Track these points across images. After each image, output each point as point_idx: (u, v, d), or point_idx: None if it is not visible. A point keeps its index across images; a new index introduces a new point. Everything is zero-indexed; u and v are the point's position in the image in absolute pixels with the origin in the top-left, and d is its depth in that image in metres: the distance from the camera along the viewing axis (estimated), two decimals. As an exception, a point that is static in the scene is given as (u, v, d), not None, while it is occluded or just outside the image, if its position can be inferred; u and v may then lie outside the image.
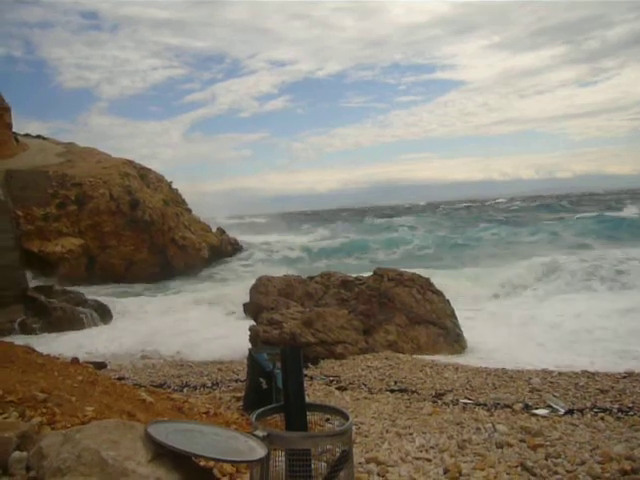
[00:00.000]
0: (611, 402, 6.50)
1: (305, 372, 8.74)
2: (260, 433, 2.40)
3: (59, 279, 19.54)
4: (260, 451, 2.26)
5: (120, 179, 24.93)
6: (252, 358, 6.80)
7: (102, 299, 17.13)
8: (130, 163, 27.36)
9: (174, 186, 29.68)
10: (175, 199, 28.73)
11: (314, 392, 7.57)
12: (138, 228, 24.29)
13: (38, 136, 33.38)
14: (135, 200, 24.46)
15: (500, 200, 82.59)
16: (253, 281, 13.37)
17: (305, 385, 7.96)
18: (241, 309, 14.11)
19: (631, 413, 6.05)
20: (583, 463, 4.34)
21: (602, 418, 5.89)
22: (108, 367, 10.08)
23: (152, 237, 24.83)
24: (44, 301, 15.31)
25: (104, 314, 15.93)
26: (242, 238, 33.24)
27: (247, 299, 13.28)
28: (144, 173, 27.57)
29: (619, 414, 6.04)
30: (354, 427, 5.74)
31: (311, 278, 12.88)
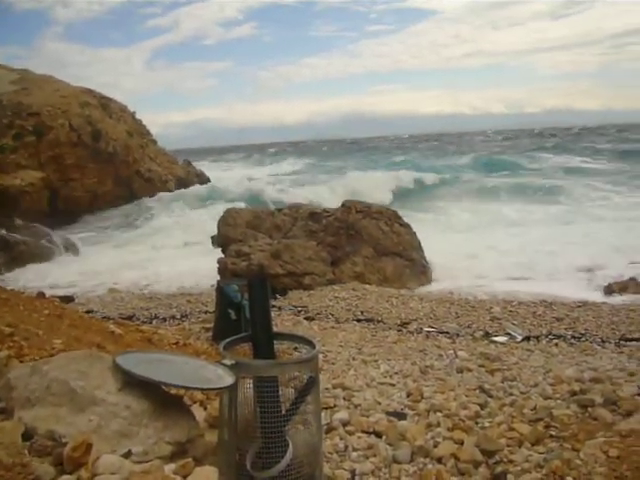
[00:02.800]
0: (565, 329, 6.83)
1: (274, 303, 8.90)
2: (228, 362, 2.45)
3: (20, 214, 19.06)
4: (228, 379, 2.32)
5: (80, 109, 23.95)
6: (220, 290, 6.87)
7: (67, 233, 16.88)
8: (90, 92, 26.20)
9: (138, 116, 28.74)
10: (139, 130, 27.88)
11: (283, 322, 7.73)
12: (101, 160, 23.61)
13: (-11, 62, 31.59)
14: (97, 131, 23.64)
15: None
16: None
17: (274, 315, 8.14)
18: (209, 240, 14.09)
19: (583, 339, 6.40)
20: (536, 385, 4.58)
21: (556, 344, 6.21)
22: (76, 301, 10.05)
23: (116, 169, 24.22)
24: (5, 235, 14.97)
25: (70, 247, 15.73)
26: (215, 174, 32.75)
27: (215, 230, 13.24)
28: (105, 103, 26.51)
29: (572, 340, 6.38)
30: (321, 355, 5.93)
31: (279, 210, 12.85)
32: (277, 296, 9.38)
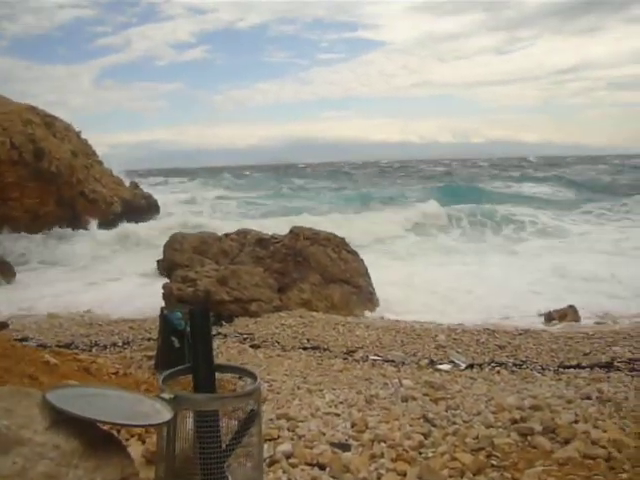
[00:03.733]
0: (507, 357, 6.99)
1: (219, 330, 8.75)
2: (167, 395, 2.38)
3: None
4: (166, 414, 2.24)
5: (22, 126, 23.22)
6: (164, 316, 6.70)
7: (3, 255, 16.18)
8: (33, 109, 25.44)
9: (83, 136, 28.05)
10: (84, 150, 27.17)
11: (228, 350, 7.60)
12: (44, 179, 22.85)
13: None
14: (40, 150, 22.93)
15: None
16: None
17: (219, 343, 7.97)
18: (154, 266, 13.79)
19: (524, 367, 6.55)
20: (479, 413, 4.64)
21: (498, 372, 6.33)
22: (10, 327, 9.59)
23: (59, 190, 23.48)
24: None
25: (5, 270, 15.05)
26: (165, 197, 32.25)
27: (161, 256, 12.99)
28: (50, 121, 25.77)
29: (513, 368, 6.52)
30: (266, 384, 5.84)
31: (227, 235, 12.74)
32: (223, 323, 9.23)
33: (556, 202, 29.84)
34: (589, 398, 4.99)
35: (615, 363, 6.57)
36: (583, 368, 6.46)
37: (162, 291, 10.25)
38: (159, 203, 30.57)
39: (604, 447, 3.69)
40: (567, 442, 3.86)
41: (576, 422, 4.24)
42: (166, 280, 10.95)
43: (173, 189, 43.09)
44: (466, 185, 37.64)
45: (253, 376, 2.80)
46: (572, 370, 6.41)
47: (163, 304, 9.55)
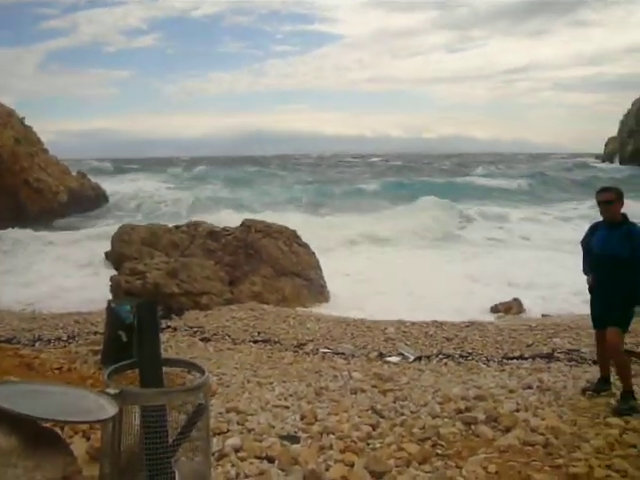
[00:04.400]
0: (454, 349, 7.15)
1: (169, 323, 8.63)
2: (112, 391, 2.34)
3: None
4: (110, 410, 2.20)
5: (-39, 111, 22.22)
6: (111, 310, 6.55)
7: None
8: (-27, 94, 24.41)
9: (28, 122, 27.01)
10: (28, 137, 26.18)
11: (177, 344, 7.51)
12: (-16, 167, 21.96)
13: None
14: (-21, 136, 22.00)
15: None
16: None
17: (168, 337, 7.84)
18: (101, 258, 13.45)
19: (470, 358, 6.73)
20: (426, 404, 4.74)
21: (445, 363, 6.48)
22: (-53, 321, 9.18)
23: (2, 178, 22.59)
24: None
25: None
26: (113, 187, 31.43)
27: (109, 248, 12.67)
28: (-10, 106, 24.77)
29: (460, 359, 6.68)
30: (216, 378, 5.80)
31: (177, 227, 12.54)
32: (173, 316, 9.11)
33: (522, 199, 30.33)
34: (530, 387, 5.17)
35: (555, 354, 6.82)
36: (526, 359, 6.69)
37: (110, 284, 10.03)
38: (107, 194, 29.84)
39: (542, 434, 3.85)
40: (508, 430, 4.00)
41: (517, 411, 4.40)
42: (114, 272, 10.71)
43: (123, 179, 41.97)
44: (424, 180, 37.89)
45: (201, 370, 2.78)
46: (515, 361, 6.62)
47: (111, 297, 9.35)
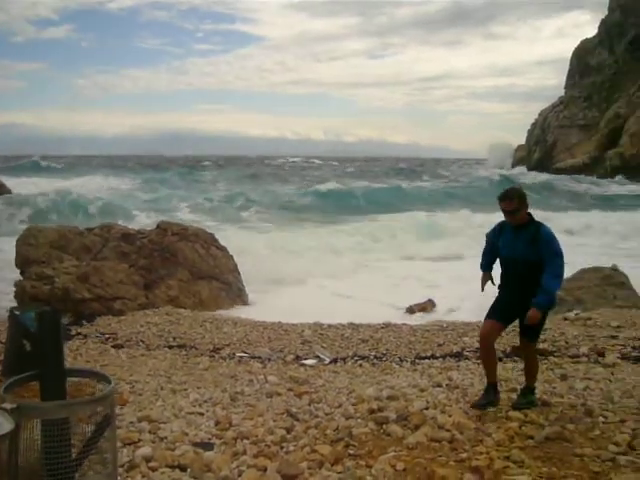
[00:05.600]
0: (369, 350, 7.32)
1: (79, 330, 8.30)
2: (8, 405, 2.24)
3: None
4: (6, 425, 2.11)
5: None
6: (14, 317, 6.20)
7: None
8: None
9: None
10: None
11: (88, 351, 7.24)
12: None
13: None
14: None
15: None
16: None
17: (78, 344, 7.52)
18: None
19: (384, 359, 6.91)
20: (340, 406, 4.83)
21: (360, 365, 6.62)
22: None
23: None
24: None
25: None
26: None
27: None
28: None
29: (374, 360, 6.85)
30: (128, 386, 5.64)
31: (89, 230, 12.04)
32: (83, 323, 8.76)
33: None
34: (440, 386, 5.38)
35: (464, 352, 7.13)
36: (437, 358, 6.94)
37: (13, 289, 9.51)
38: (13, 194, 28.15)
39: (449, 430, 4.03)
40: (417, 428, 4.15)
41: (427, 409, 4.57)
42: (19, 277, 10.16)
43: (34, 179, 39.71)
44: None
45: (107, 379, 2.71)
46: (427, 360, 6.86)
47: (14, 304, 8.87)
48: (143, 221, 19.30)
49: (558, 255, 4.42)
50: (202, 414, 4.75)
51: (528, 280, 4.45)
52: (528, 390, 4.74)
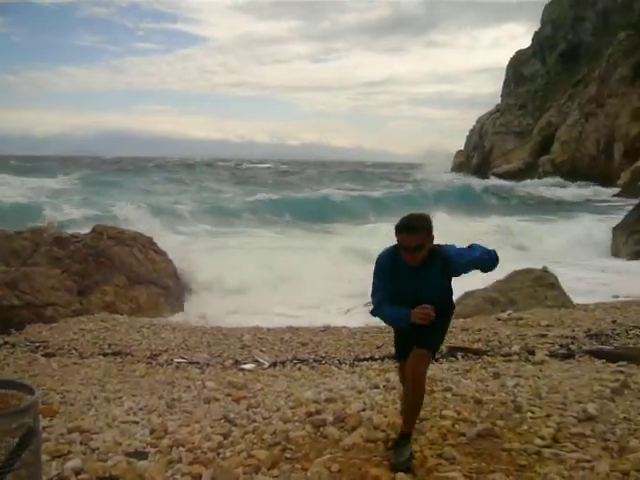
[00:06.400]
0: (309, 353, 7.35)
1: (6, 339, 7.95)
2: None
3: None
4: None
5: None
6: None
7: None
8: None
9: None
10: None
11: (16, 361, 6.94)
12: None
13: None
14: None
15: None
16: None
17: (5, 354, 7.22)
18: None
19: (323, 362, 6.94)
20: (278, 410, 4.82)
21: (299, 368, 6.63)
22: None
23: None
24: None
25: None
26: None
27: None
28: None
29: (314, 364, 6.87)
30: (59, 396, 5.45)
31: (19, 233, 11.55)
32: (12, 331, 8.38)
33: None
34: (377, 387, 5.44)
35: (402, 354, 7.25)
36: (375, 360, 7.03)
37: None
38: None
39: (384, 431, 4.08)
40: (354, 429, 4.19)
41: (364, 410, 4.61)
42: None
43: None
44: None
45: (30, 390, 2.62)
46: (366, 362, 6.94)
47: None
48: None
49: (472, 247, 3.55)
50: (137, 422, 4.64)
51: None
52: (404, 440, 3.60)
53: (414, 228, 3.32)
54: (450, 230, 13.32)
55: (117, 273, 10.18)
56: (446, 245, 3.57)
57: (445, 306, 3.61)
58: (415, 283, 3.47)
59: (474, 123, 67.99)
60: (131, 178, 46.55)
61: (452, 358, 6.62)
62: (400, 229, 3.35)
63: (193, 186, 41.56)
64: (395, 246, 3.50)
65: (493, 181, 50.60)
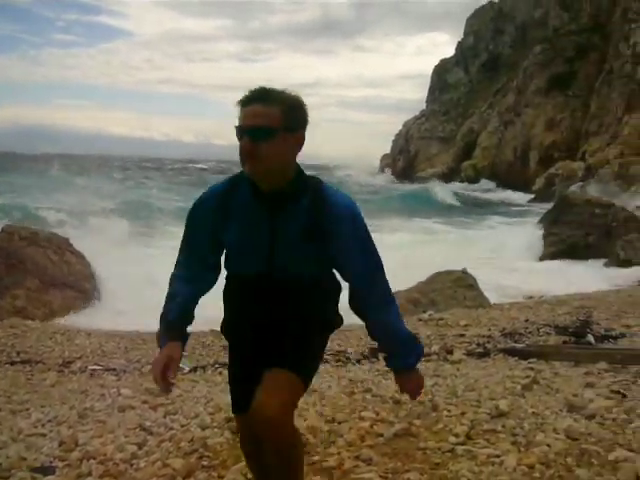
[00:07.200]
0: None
1: None
2: None
3: None
4: None
5: None
6: None
7: None
8: None
9: None
10: None
11: None
12: None
13: None
14: None
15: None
16: None
17: None
18: None
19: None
20: (197, 416, 4.70)
21: (220, 373, 6.50)
22: None
23: None
24: None
25: None
26: None
27: None
28: None
29: (233, 366, 6.77)
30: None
31: None
32: None
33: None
34: (301, 391, 5.43)
35: (325, 356, 7.27)
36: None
37: None
38: None
39: (302, 434, 4.06)
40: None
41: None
42: None
43: None
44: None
45: None
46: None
47: None
48: None
49: (379, 267, 2.25)
50: (44, 435, 4.39)
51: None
52: None
53: (263, 98, 2.04)
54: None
55: (29, 276, 9.65)
56: (338, 190, 2.18)
57: (317, 295, 2.24)
58: (265, 235, 2.10)
59: (400, 127, 69.79)
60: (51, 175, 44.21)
61: (374, 359, 6.70)
62: (242, 101, 2.07)
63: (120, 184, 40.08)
64: (236, 176, 2.19)
65: (415, 185, 51.98)
